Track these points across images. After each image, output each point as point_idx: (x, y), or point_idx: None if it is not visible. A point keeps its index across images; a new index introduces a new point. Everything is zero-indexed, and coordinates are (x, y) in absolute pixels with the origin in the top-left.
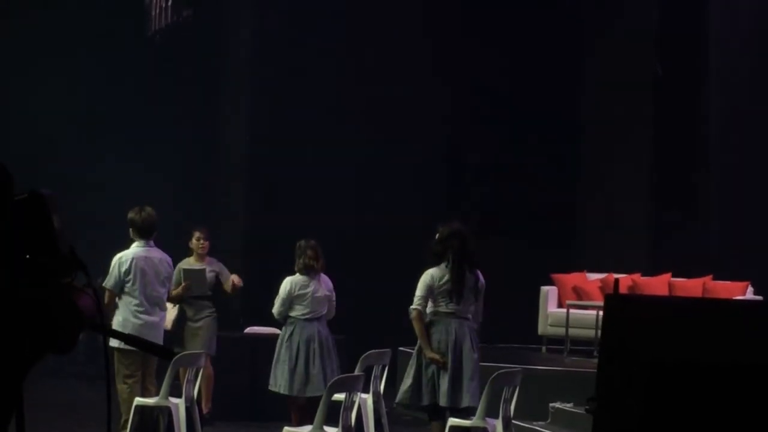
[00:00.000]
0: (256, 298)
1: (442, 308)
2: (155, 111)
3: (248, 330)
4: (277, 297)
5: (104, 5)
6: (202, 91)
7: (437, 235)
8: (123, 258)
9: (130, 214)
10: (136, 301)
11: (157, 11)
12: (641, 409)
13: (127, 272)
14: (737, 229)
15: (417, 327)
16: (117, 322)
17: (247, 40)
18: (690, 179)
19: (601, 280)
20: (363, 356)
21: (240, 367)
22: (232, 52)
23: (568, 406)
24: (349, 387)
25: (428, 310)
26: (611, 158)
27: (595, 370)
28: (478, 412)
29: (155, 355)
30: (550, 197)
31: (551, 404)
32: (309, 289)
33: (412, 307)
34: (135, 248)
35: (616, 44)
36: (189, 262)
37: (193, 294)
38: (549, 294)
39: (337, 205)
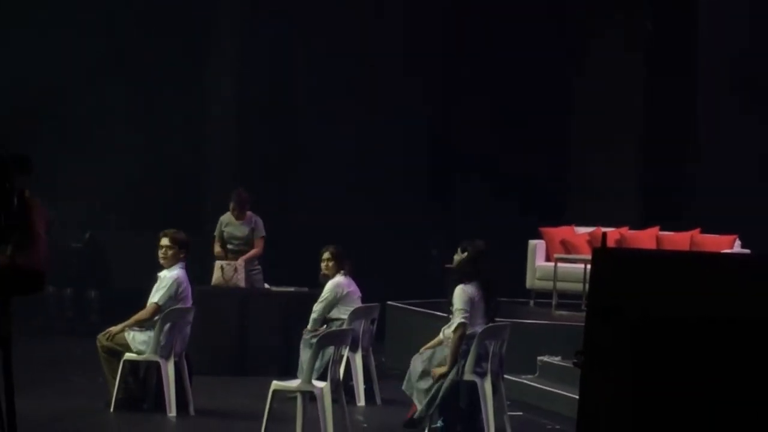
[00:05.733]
0: None
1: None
2: (137, 75)
3: None
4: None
5: None
6: (187, 59)
7: (466, 254)
8: (179, 279)
9: (183, 236)
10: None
11: None
12: (629, 363)
13: (182, 293)
14: (725, 182)
15: (455, 343)
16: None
17: (236, 8)
18: (678, 133)
19: (590, 234)
20: (352, 310)
21: (228, 320)
22: (219, 21)
23: (556, 360)
24: (337, 341)
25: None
26: (601, 113)
27: (583, 324)
28: (467, 365)
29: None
30: (540, 151)
31: (539, 358)
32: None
33: (460, 320)
34: (180, 270)
35: (607, 10)
36: (228, 218)
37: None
38: (537, 247)
39: (325, 163)
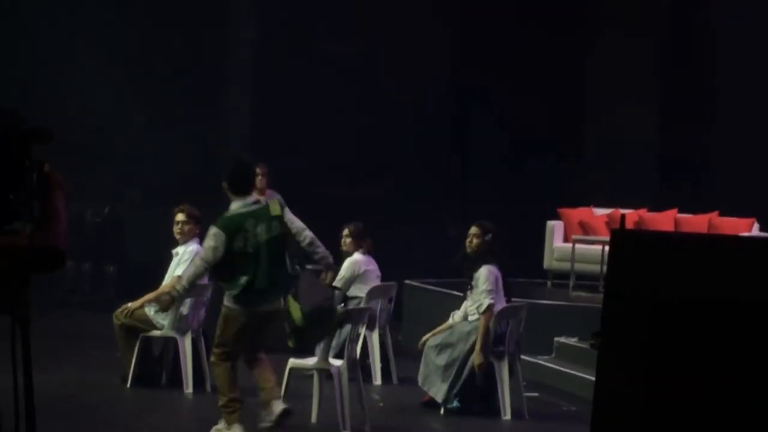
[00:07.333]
0: None
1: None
2: (156, 50)
3: None
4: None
5: None
6: (206, 31)
7: (490, 235)
8: None
9: (197, 211)
10: None
11: None
12: (646, 345)
13: None
14: (744, 164)
15: (485, 325)
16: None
17: None
18: (697, 114)
19: (608, 215)
20: (369, 289)
21: None
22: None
23: (572, 341)
24: (354, 320)
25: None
26: (619, 92)
27: (600, 305)
28: (478, 346)
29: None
30: (558, 131)
31: (556, 339)
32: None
33: (489, 302)
34: (197, 245)
35: None
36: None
37: None
38: (555, 228)
39: (344, 140)
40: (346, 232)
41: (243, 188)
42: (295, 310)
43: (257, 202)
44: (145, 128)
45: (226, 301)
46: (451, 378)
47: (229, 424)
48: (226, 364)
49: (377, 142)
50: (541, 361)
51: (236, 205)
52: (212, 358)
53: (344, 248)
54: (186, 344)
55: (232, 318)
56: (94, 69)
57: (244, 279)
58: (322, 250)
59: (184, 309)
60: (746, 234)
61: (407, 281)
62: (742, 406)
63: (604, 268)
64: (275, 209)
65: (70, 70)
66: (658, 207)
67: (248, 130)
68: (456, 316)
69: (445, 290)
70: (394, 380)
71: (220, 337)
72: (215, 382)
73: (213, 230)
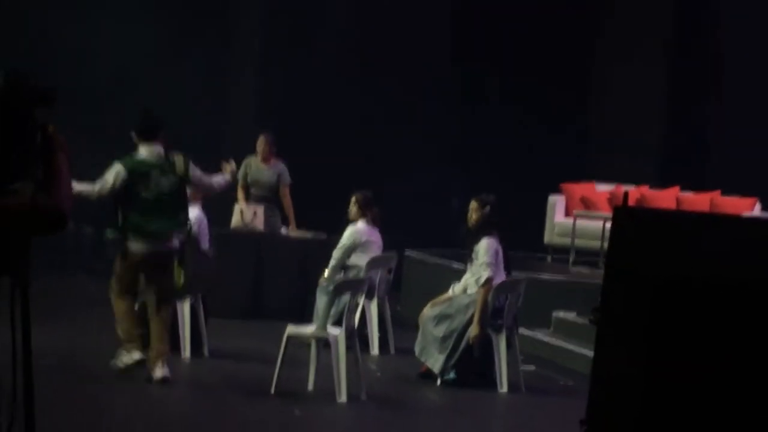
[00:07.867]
0: None
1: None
2: (161, 19)
3: None
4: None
5: None
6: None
7: (488, 207)
8: (198, 218)
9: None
10: None
11: None
12: (645, 323)
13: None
14: (747, 144)
15: (483, 298)
16: None
17: None
18: (701, 93)
19: (610, 192)
20: (368, 260)
21: (245, 264)
22: None
23: (571, 316)
24: (353, 289)
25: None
26: (624, 69)
27: (600, 281)
28: (475, 319)
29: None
30: (561, 107)
31: (554, 313)
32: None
33: (489, 275)
34: (199, 210)
35: None
36: (254, 162)
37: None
38: (557, 203)
39: (347, 108)
40: (353, 199)
41: (149, 135)
42: (179, 275)
43: (161, 155)
44: (149, 92)
45: (127, 244)
46: (448, 350)
47: (129, 350)
48: (124, 298)
49: (385, 113)
50: (539, 335)
51: (144, 152)
52: (111, 295)
53: (350, 216)
54: (184, 309)
55: (127, 256)
56: (93, 66)
57: (139, 219)
58: (227, 180)
59: None
60: (748, 214)
61: (408, 251)
62: (745, 389)
63: (605, 244)
64: (180, 167)
65: (70, 62)
66: (660, 184)
67: (249, 129)
68: (456, 287)
69: (444, 260)
70: (392, 350)
71: (116, 274)
72: (116, 315)
73: (117, 167)
